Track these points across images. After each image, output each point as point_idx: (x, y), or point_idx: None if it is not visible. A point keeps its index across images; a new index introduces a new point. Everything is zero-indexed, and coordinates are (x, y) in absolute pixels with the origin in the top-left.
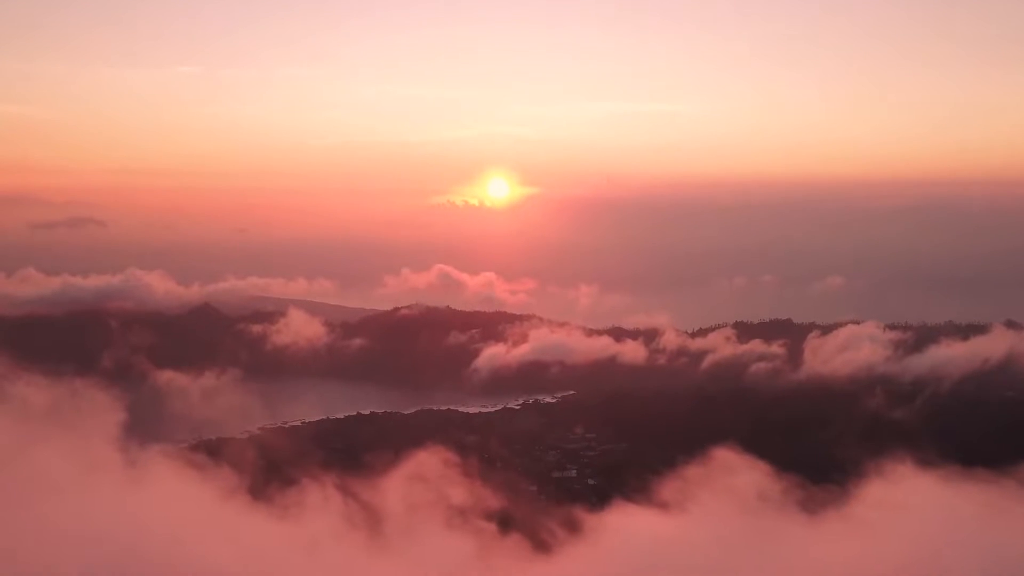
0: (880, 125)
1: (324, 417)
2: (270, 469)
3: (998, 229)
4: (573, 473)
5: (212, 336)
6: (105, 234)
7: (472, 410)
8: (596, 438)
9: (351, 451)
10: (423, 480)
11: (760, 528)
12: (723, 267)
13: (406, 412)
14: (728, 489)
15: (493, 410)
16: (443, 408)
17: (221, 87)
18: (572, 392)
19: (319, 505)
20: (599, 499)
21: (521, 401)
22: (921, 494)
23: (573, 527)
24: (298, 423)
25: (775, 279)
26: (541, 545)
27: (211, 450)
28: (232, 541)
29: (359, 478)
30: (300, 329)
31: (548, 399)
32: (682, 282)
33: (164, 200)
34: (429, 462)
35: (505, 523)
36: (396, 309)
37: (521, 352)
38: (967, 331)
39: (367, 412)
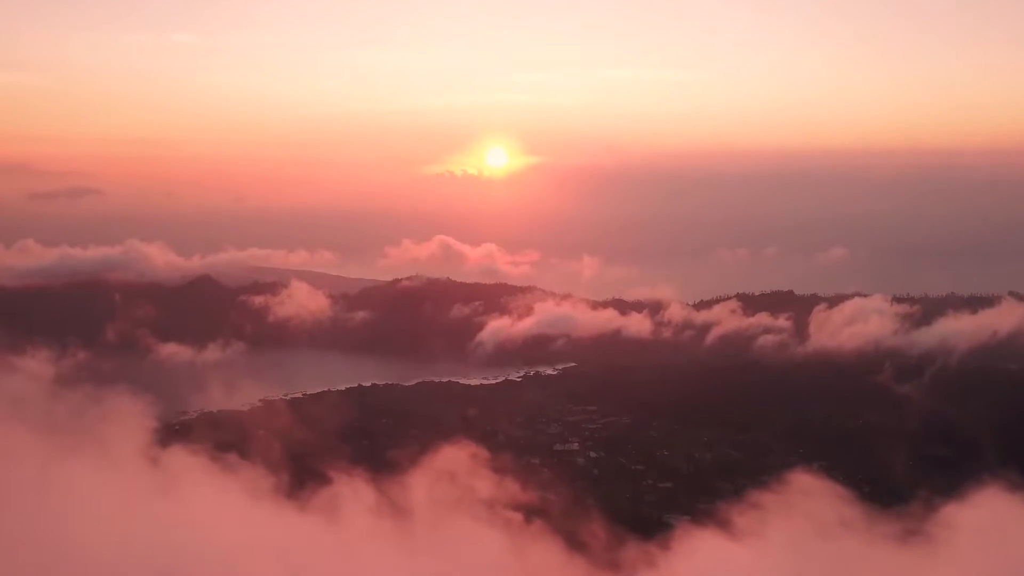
0: (883, 94)
1: (326, 389)
2: (272, 444)
3: (1003, 199)
4: (575, 446)
5: (213, 308)
6: (103, 203)
7: (473, 382)
8: (598, 411)
9: (353, 423)
10: (438, 469)
11: (839, 557)
12: (725, 238)
13: (407, 384)
14: (803, 514)
15: (494, 382)
16: (444, 380)
17: (217, 54)
18: (573, 364)
19: (324, 488)
20: (600, 471)
21: (522, 373)
22: (1008, 519)
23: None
24: (299, 395)
25: (778, 251)
26: (575, 544)
27: (213, 423)
28: (232, 521)
29: (363, 456)
30: (301, 301)
31: (549, 371)
32: (684, 253)
33: (161, 169)
34: (446, 449)
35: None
36: (397, 280)
37: (525, 325)
38: (975, 303)
39: (368, 384)
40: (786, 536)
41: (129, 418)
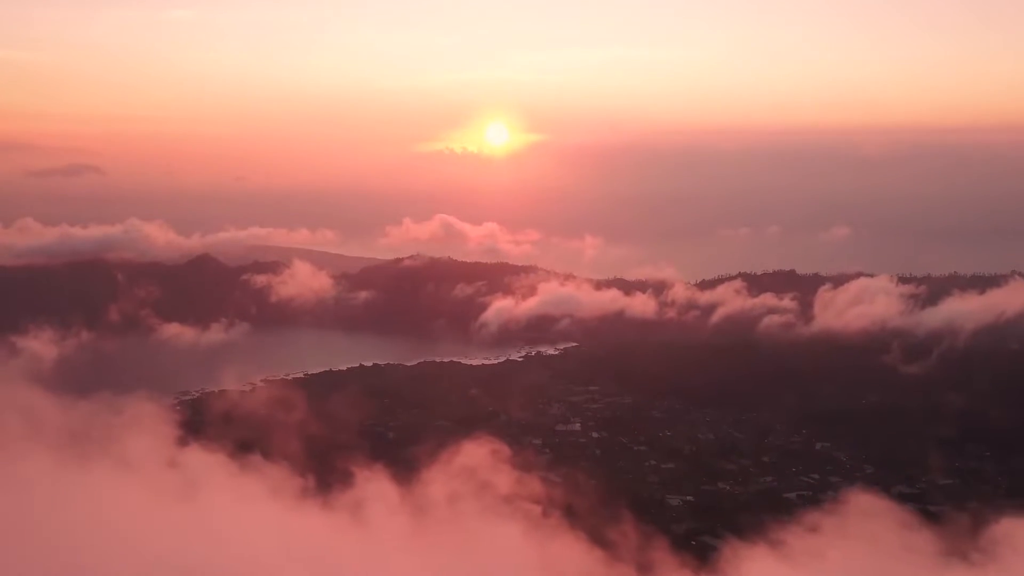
0: (888, 72)
1: (328, 369)
2: (273, 428)
3: (1009, 177)
4: (577, 426)
5: (214, 287)
6: (103, 182)
7: (475, 362)
8: (599, 391)
9: (354, 404)
10: (443, 453)
11: None
12: (728, 217)
13: (409, 364)
14: (864, 535)
15: (496, 362)
16: (446, 360)
17: (214, 31)
18: (575, 344)
19: (327, 473)
20: (602, 451)
21: (524, 353)
22: None
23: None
24: (301, 375)
25: (780, 230)
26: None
27: (213, 404)
28: (236, 512)
29: (366, 438)
30: (303, 280)
31: (551, 351)
32: (686, 232)
33: (161, 147)
34: (449, 429)
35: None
36: (399, 260)
37: (529, 305)
38: (982, 283)
39: (370, 364)
40: (843, 558)
41: (143, 418)
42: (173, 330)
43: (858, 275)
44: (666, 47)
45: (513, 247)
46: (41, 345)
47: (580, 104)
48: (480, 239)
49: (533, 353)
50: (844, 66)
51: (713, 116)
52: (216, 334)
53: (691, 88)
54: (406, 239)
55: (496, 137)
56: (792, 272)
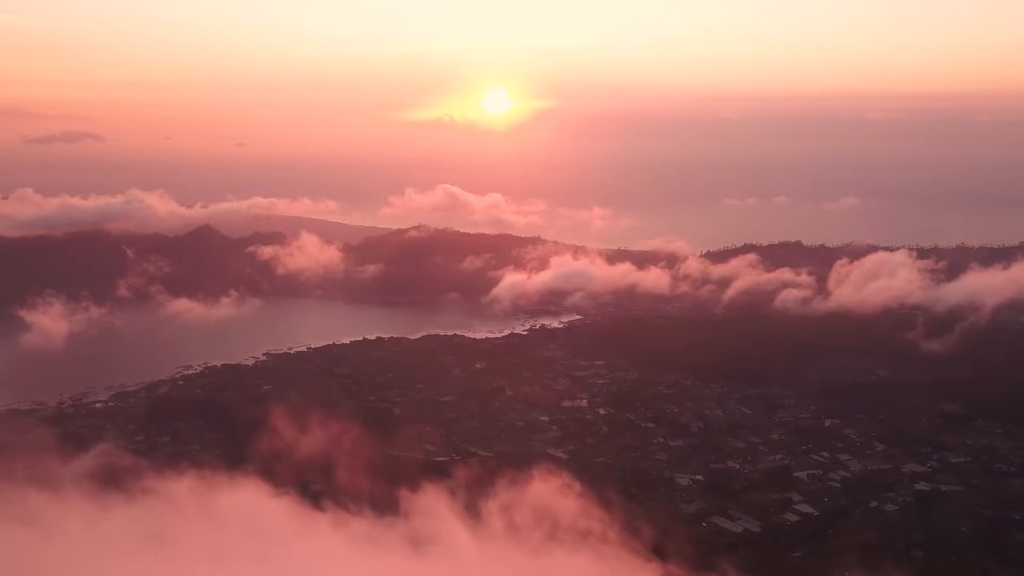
0: (891, 36)
1: (331, 342)
2: (273, 404)
3: (1012, 144)
4: (584, 402)
5: (216, 259)
6: (103, 149)
7: (480, 336)
8: (605, 365)
9: (357, 378)
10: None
11: None
12: (734, 186)
13: (413, 337)
14: None
15: (500, 336)
16: (450, 334)
17: None
18: (579, 318)
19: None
20: (609, 428)
21: (528, 327)
22: None
23: None
24: (304, 349)
25: (788, 199)
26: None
27: (214, 378)
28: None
29: (368, 413)
30: (306, 251)
31: (555, 324)
32: (693, 201)
33: (159, 112)
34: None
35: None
36: (403, 231)
37: (542, 279)
38: (998, 257)
39: (373, 337)
40: None
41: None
42: (180, 304)
43: (871, 248)
44: (672, 11)
45: (519, 218)
46: (51, 321)
47: (587, 70)
48: (484, 209)
49: (538, 327)
50: (849, 31)
51: (718, 82)
52: (221, 307)
53: (699, 53)
54: (409, 208)
55: (498, 104)
56: (799, 243)
